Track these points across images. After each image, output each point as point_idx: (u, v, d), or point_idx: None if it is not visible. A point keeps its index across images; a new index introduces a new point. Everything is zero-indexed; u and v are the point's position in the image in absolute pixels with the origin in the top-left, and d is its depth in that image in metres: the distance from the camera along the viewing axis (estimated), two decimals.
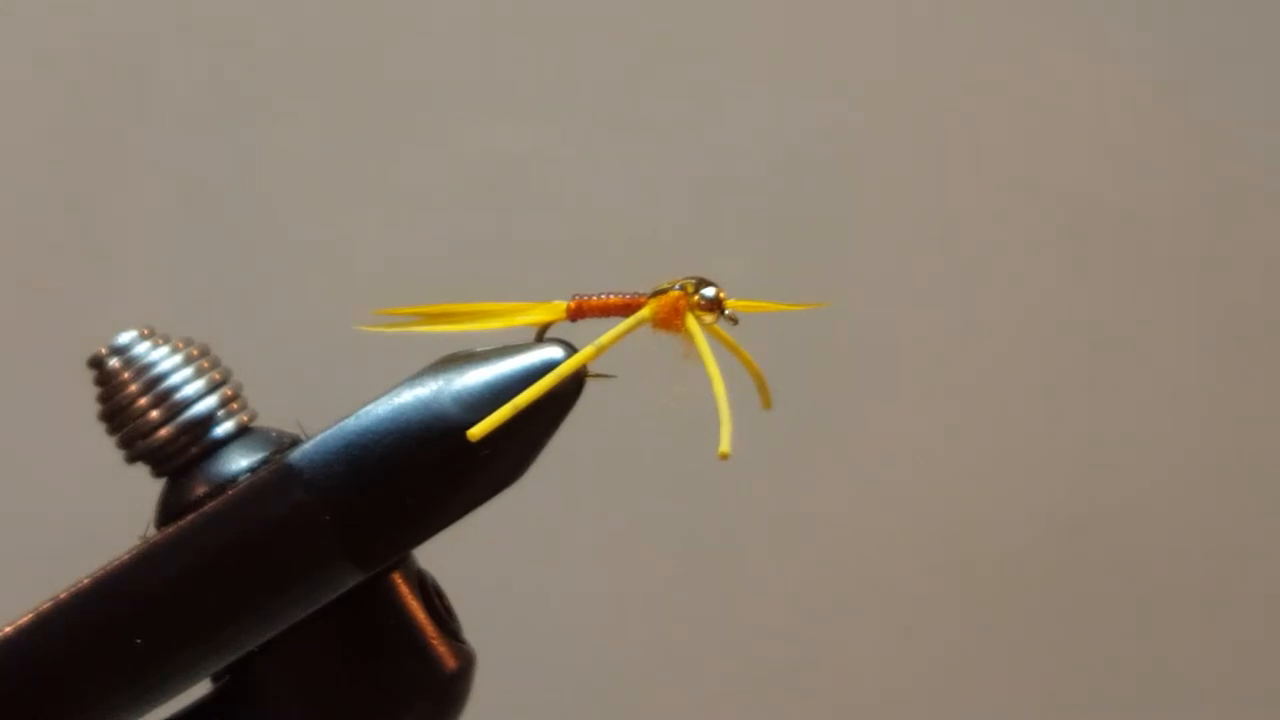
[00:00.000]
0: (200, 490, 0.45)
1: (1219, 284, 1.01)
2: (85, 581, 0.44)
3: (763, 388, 0.48)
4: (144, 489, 0.47)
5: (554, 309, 0.47)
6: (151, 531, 0.45)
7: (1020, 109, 1.00)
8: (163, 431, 0.45)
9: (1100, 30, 1.00)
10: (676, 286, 0.46)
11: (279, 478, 0.44)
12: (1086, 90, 0.99)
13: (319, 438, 0.44)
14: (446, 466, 0.44)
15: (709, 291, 0.46)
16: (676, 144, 0.98)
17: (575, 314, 0.47)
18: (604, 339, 0.46)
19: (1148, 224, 1.00)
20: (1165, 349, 1.01)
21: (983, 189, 0.99)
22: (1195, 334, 1.01)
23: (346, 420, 0.44)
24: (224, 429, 0.46)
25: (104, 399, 0.46)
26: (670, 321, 0.46)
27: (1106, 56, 0.99)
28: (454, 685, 0.46)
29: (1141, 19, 1.00)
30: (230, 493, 0.44)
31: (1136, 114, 1.00)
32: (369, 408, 0.44)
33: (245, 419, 0.46)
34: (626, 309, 0.47)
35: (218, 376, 0.46)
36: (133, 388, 0.46)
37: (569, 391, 0.45)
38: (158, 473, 0.46)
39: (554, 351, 0.45)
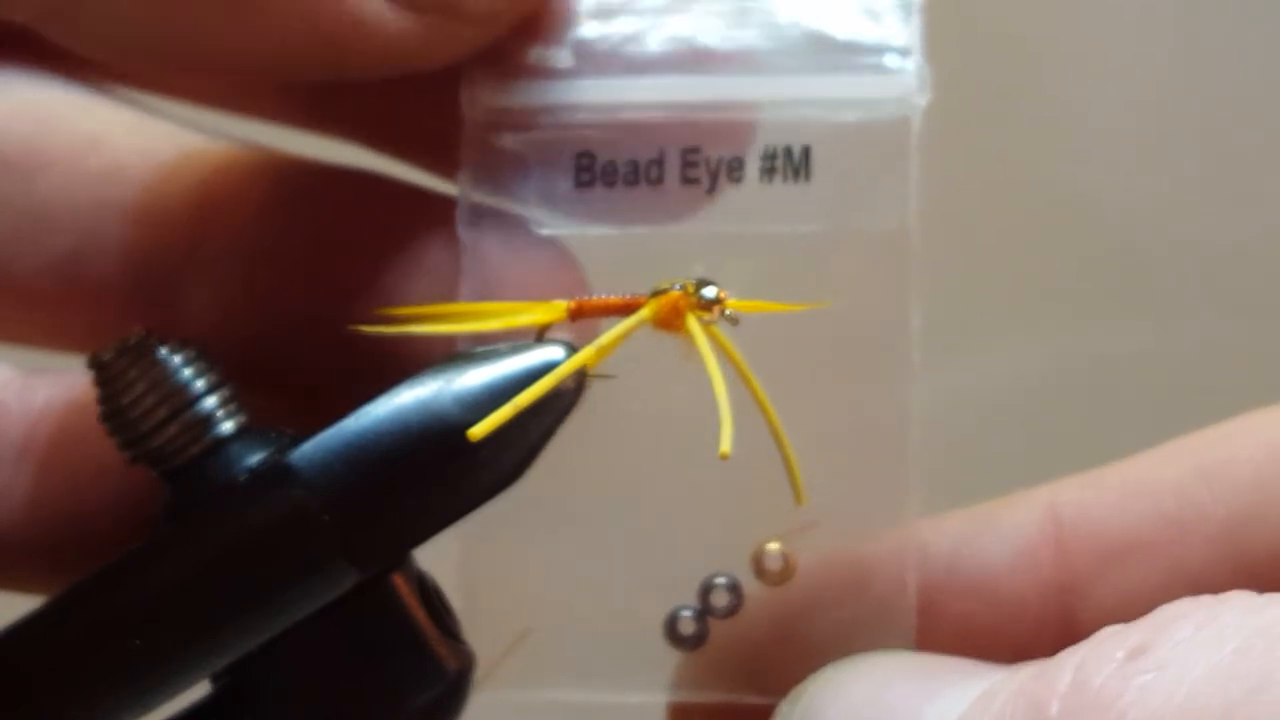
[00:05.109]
0: (199, 490, 0.45)
1: None
2: (83, 581, 0.44)
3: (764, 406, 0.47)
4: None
5: (554, 309, 0.47)
6: (151, 531, 0.45)
7: None
8: (164, 431, 0.45)
9: None
10: (676, 286, 0.46)
11: (279, 477, 0.44)
12: None
13: (318, 437, 0.44)
14: (446, 467, 0.44)
15: (709, 291, 0.46)
16: None
17: (575, 314, 0.47)
18: (605, 339, 0.46)
19: None
20: None
21: None
22: None
23: (346, 420, 0.44)
24: (224, 429, 0.46)
25: (105, 400, 0.46)
26: (670, 321, 0.46)
27: None
28: (454, 686, 0.46)
29: None
30: (229, 492, 0.44)
31: None
32: (369, 408, 0.44)
33: (244, 419, 0.46)
34: (626, 309, 0.47)
35: (217, 376, 0.46)
36: (134, 388, 0.46)
37: (570, 392, 0.45)
38: (158, 472, 0.46)
39: (554, 351, 0.45)
